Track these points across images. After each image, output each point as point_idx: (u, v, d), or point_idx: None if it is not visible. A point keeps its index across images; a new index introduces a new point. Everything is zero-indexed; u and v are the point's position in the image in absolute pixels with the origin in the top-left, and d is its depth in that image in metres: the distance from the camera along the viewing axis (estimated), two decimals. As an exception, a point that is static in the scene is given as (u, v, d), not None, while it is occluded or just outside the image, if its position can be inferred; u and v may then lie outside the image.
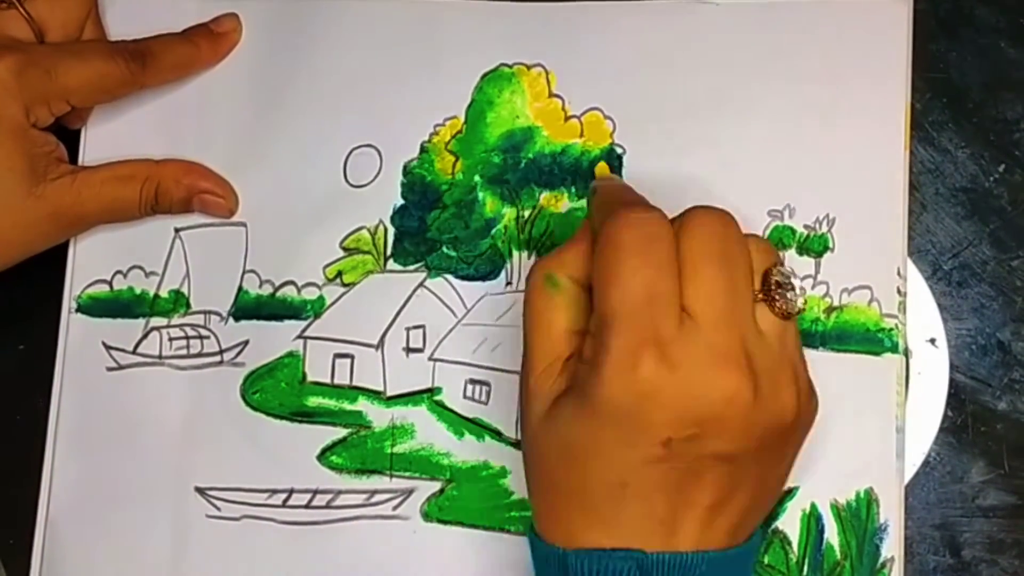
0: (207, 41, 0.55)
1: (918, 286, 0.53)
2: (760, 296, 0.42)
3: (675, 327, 0.40)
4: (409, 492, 0.52)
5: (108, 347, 0.54)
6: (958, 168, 0.54)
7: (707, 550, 0.42)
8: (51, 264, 0.54)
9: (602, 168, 0.52)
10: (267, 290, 0.54)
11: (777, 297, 0.42)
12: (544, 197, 0.54)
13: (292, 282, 0.54)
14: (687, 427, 0.40)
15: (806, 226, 0.52)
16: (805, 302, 0.44)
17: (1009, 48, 0.54)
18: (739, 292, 0.41)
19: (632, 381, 0.40)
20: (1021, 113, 0.54)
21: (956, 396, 0.53)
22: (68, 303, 0.54)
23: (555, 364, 0.43)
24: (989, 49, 0.54)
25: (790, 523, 0.50)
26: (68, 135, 0.54)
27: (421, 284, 0.53)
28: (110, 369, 0.54)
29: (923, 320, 0.53)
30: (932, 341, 0.53)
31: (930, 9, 0.54)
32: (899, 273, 0.51)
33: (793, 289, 0.42)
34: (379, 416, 0.53)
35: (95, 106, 0.55)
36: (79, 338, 0.54)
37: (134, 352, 0.54)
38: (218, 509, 0.53)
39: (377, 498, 0.52)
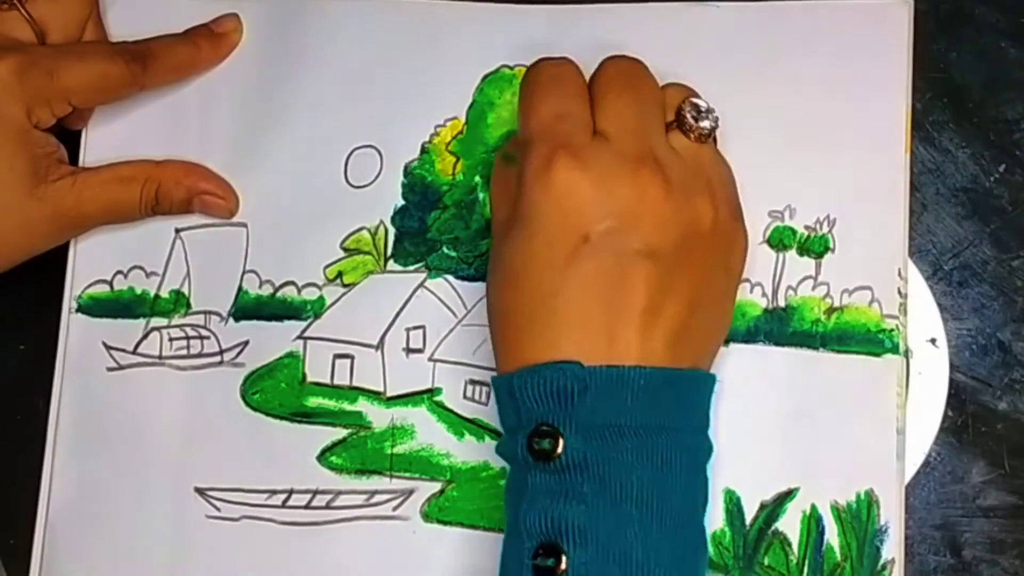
0: (208, 42, 0.55)
1: (918, 286, 0.53)
2: (674, 124, 0.47)
3: (587, 139, 0.45)
4: (409, 493, 0.52)
5: (108, 347, 0.54)
6: (958, 168, 0.54)
7: (647, 365, 0.43)
8: (51, 264, 0.54)
9: None
10: (267, 290, 0.54)
11: (690, 120, 0.46)
12: (544, 198, 0.54)
13: (292, 282, 0.54)
14: (603, 219, 0.44)
15: (807, 227, 0.52)
16: (716, 125, 0.47)
17: (1009, 48, 0.54)
18: (647, 112, 0.46)
19: (547, 181, 0.44)
20: (1021, 113, 0.54)
21: (956, 396, 0.53)
22: (68, 303, 0.54)
23: None
24: (989, 49, 0.54)
25: (790, 524, 0.50)
26: (69, 136, 0.54)
27: (421, 284, 0.54)
28: (110, 369, 0.54)
29: (923, 320, 0.53)
30: (932, 341, 0.53)
31: (930, 9, 0.54)
32: (900, 274, 0.51)
33: (707, 117, 0.47)
34: (379, 417, 0.53)
35: (96, 107, 0.55)
36: (79, 338, 0.54)
37: (134, 352, 0.54)
38: (218, 509, 0.53)
39: (377, 499, 0.52)
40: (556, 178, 0.44)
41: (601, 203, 0.44)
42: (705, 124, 0.47)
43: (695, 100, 0.47)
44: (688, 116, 0.47)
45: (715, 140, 0.48)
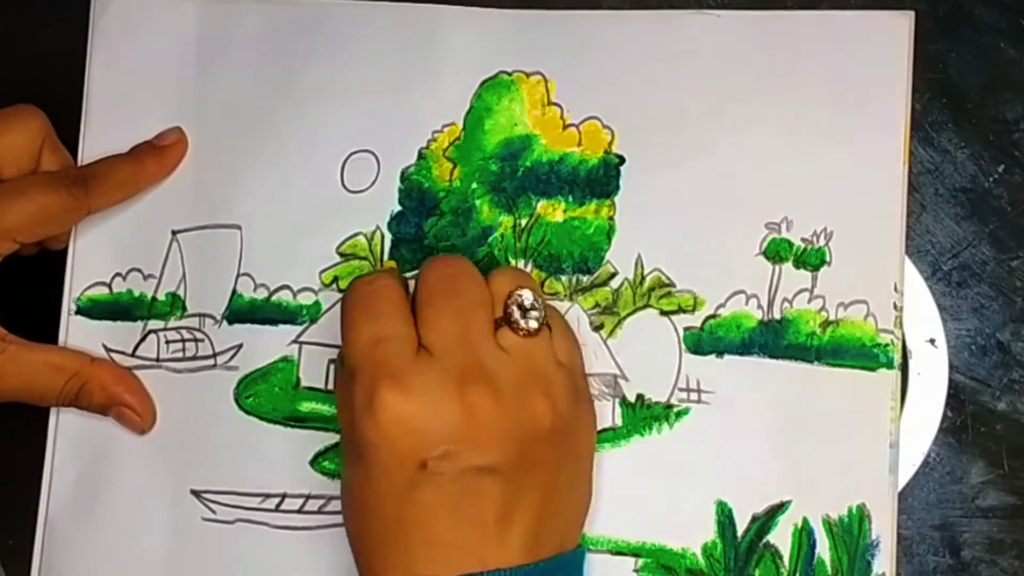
0: (152, 157, 0.54)
1: (918, 286, 0.53)
2: (502, 321, 0.46)
3: (409, 361, 0.44)
4: (400, 499, 0.52)
5: (109, 350, 0.55)
6: (958, 168, 0.53)
7: (505, 568, 0.43)
8: (51, 265, 0.55)
9: None
10: (262, 294, 0.54)
11: (517, 318, 0.46)
12: (541, 206, 0.53)
13: (288, 286, 0.54)
14: (436, 444, 0.44)
15: (803, 239, 0.51)
16: (543, 322, 0.47)
17: (1009, 48, 0.54)
18: (470, 319, 0.46)
19: (374, 415, 0.44)
20: (1021, 113, 0.53)
21: (956, 396, 0.53)
22: (68, 305, 0.55)
23: None
24: (989, 49, 0.54)
25: (781, 538, 0.50)
26: (68, 136, 0.54)
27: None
28: (109, 371, 0.55)
29: (923, 320, 0.53)
30: (932, 341, 0.53)
31: (930, 10, 0.54)
32: (896, 288, 0.51)
33: (535, 309, 0.46)
34: (372, 423, 0.53)
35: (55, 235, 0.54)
36: (79, 340, 0.54)
37: (133, 355, 0.54)
38: (213, 512, 0.53)
39: (368, 505, 0.52)
40: (382, 410, 0.44)
41: (432, 428, 0.44)
42: (532, 323, 0.46)
43: (521, 295, 0.46)
44: (515, 315, 0.46)
45: (549, 327, 0.47)
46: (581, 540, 0.51)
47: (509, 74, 0.54)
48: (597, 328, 0.52)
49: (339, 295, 0.54)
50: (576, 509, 0.48)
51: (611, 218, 0.53)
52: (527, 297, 0.47)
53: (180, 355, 0.54)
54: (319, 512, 0.52)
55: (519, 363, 0.46)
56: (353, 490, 0.46)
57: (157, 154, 0.54)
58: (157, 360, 0.54)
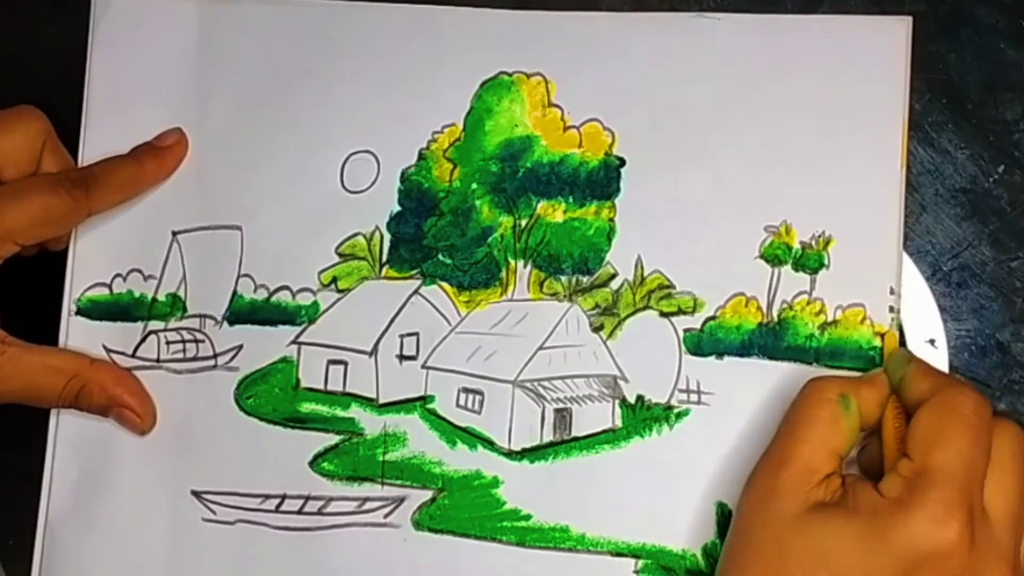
0: (152, 158, 0.54)
1: (918, 287, 0.53)
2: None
3: (980, 508, 0.44)
4: (400, 500, 0.52)
5: (109, 350, 0.55)
6: (957, 169, 0.53)
7: None
8: (51, 266, 0.55)
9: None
10: (262, 295, 0.54)
11: None
12: (541, 206, 0.53)
13: (287, 287, 0.54)
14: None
15: (802, 243, 0.51)
16: None
17: (1009, 49, 0.54)
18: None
19: (939, 534, 0.43)
20: (1020, 114, 0.53)
21: (956, 397, 0.53)
22: (68, 306, 0.55)
23: (813, 475, 0.45)
24: (988, 50, 0.54)
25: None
26: (68, 136, 0.54)
27: (416, 291, 0.54)
28: (110, 371, 0.55)
29: (923, 321, 0.53)
30: (932, 342, 0.53)
31: (930, 10, 0.54)
32: (892, 291, 0.51)
33: None
34: (371, 423, 0.53)
35: (58, 237, 0.54)
36: (79, 341, 0.55)
37: (133, 355, 0.54)
38: (213, 513, 0.53)
39: (368, 505, 0.52)
40: (947, 536, 0.43)
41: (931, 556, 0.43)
42: None
43: None
44: None
45: None
46: (581, 541, 0.51)
47: (509, 75, 0.54)
48: (597, 329, 0.52)
49: (338, 296, 0.54)
50: None
51: (611, 219, 0.53)
52: None
53: (180, 356, 0.54)
54: (319, 513, 0.52)
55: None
56: (831, 548, 0.44)
57: (157, 155, 0.54)
58: (157, 361, 0.54)
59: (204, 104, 0.55)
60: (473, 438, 0.52)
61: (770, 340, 0.51)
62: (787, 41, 0.52)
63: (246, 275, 0.54)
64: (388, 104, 0.55)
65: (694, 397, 0.51)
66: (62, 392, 0.52)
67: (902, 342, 0.51)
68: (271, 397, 0.53)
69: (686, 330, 0.52)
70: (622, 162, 0.53)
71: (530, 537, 0.51)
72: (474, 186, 0.54)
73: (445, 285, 0.53)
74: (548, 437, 0.52)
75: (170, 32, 0.56)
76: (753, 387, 0.51)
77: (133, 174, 0.54)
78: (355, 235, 0.54)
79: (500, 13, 0.55)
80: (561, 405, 0.52)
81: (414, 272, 0.54)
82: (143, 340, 0.54)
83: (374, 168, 0.54)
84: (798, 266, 0.51)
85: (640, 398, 0.52)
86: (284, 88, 0.55)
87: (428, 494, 0.52)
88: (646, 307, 0.52)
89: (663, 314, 0.52)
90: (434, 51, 0.55)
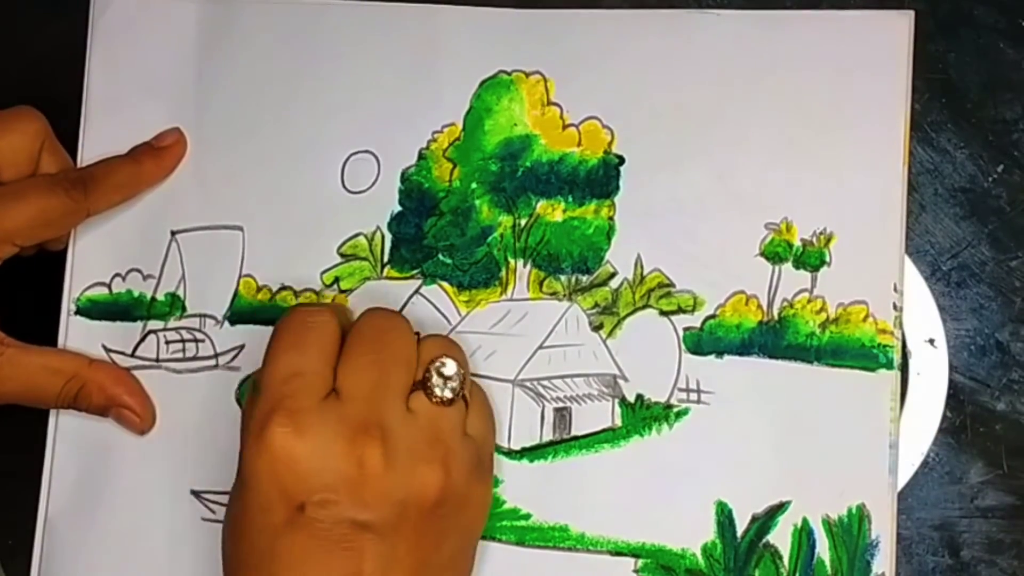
0: (150, 158, 0.54)
1: (917, 286, 0.53)
2: (419, 384, 0.46)
3: (314, 401, 0.44)
4: (400, 500, 0.52)
5: (108, 350, 0.55)
6: (957, 168, 0.53)
7: None
8: (51, 266, 0.55)
9: None
10: (265, 295, 0.54)
11: (433, 384, 0.46)
12: (541, 206, 0.53)
13: (289, 287, 0.54)
14: (317, 491, 0.43)
15: (803, 240, 0.51)
16: (459, 392, 0.47)
17: (1008, 48, 0.54)
18: (387, 374, 0.46)
19: (262, 446, 0.44)
20: (1020, 113, 0.54)
21: (955, 397, 0.53)
22: (67, 305, 0.55)
23: None
24: (988, 49, 0.54)
25: (781, 538, 0.50)
26: (68, 136, 0.55)
27: (417, 291, 0.54)
28: (109, 371, 0.55)
29: (922, 320, 0.53)
30: (931, 341, 0.53)
31: (929, 10, 0.54)
32: (895, 288, 0.51)
33: (454, 380, 0.46)
34: (372, 423, 0.53)
35: (58, 238, 0.54)
36: (78, 340, 0.55)
37: (133, 355, 0.54)
38: (213, 512, 0.53)
39: (368, 505, 0.52)
40: (271, 443, 0.44)
41: (316, 473, 0.43)
42: (447, 392, 0.46)
43: (444, 362, 0.46)
44: (433, 380, 0.46)
45: (465, 400, 0.47)
46: (580, 541, 0.51)
47: (508, 74, 0.54)
48: (596, 328, 0.52)
49: (340, 295, 0.54)
50: None
51: (611, 218, 0.53)
52: (450, 366, 0.46)
53: (180, 355, 0.54)
54: (319, 512, 0.52)
55: (423, 429, 0.45)
56: (232, 513, 0.46)
57: (156, 155, 0.54)
58: (157, 360, 0.54)
59: (204, 104, 0.55)
60: (473, 437, 0.52)
61: (770, 339, 0.51)
62: (787, 37, 0.52)
63: (248, 275, 0.54)
64: (388, 104, 0.55)
65: (694, 396, 0.51)
66: (61, 393, 0.52)
67: (902, 342, 0.51)
68: (271, 397, 0.53)
69: (686, 329, 0.52)
70: (621, 160, 0.53)
71: (529, 536, 0.51)
72: (474, 185, 0.54)
73: (445, 285, 0.53)
74: (548, 436, 0.52)
75: (169, 32, 0.56)
76: (753, 386, 0.51)
77: (132, 174, 0.54)
78: (356, 235, 0.54)
79: (499, 12, 0.55)
80: (561, 404, 0.52)
81: (415, 272, 0.54)
82: (142, 339, 0.54)
83: (374, 168, 0.54)
84: (799, 264, 0.51)
85: (640, 397, 0.52)
86: (284, 88, 0.55)
87: (428, 494, 0.52)
88: (646, 306, 0.52)
89: (663, 313, 0.52)
90: (434, 50, 0.55)
